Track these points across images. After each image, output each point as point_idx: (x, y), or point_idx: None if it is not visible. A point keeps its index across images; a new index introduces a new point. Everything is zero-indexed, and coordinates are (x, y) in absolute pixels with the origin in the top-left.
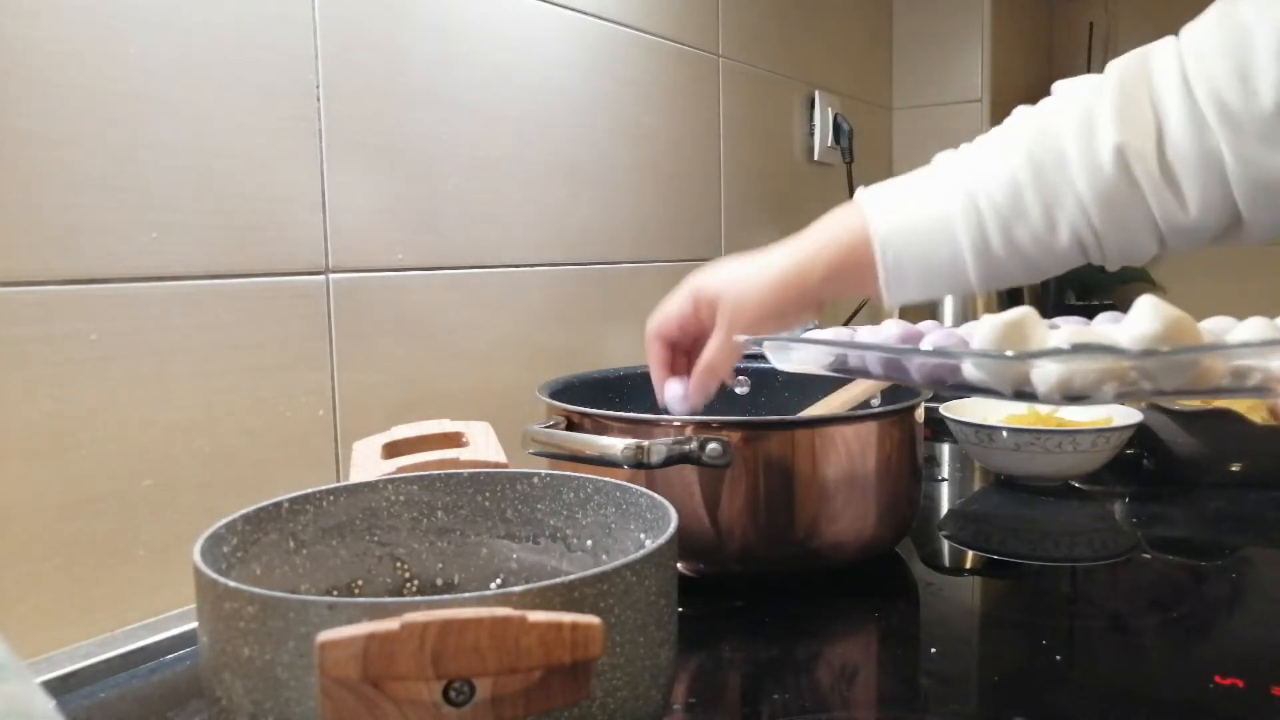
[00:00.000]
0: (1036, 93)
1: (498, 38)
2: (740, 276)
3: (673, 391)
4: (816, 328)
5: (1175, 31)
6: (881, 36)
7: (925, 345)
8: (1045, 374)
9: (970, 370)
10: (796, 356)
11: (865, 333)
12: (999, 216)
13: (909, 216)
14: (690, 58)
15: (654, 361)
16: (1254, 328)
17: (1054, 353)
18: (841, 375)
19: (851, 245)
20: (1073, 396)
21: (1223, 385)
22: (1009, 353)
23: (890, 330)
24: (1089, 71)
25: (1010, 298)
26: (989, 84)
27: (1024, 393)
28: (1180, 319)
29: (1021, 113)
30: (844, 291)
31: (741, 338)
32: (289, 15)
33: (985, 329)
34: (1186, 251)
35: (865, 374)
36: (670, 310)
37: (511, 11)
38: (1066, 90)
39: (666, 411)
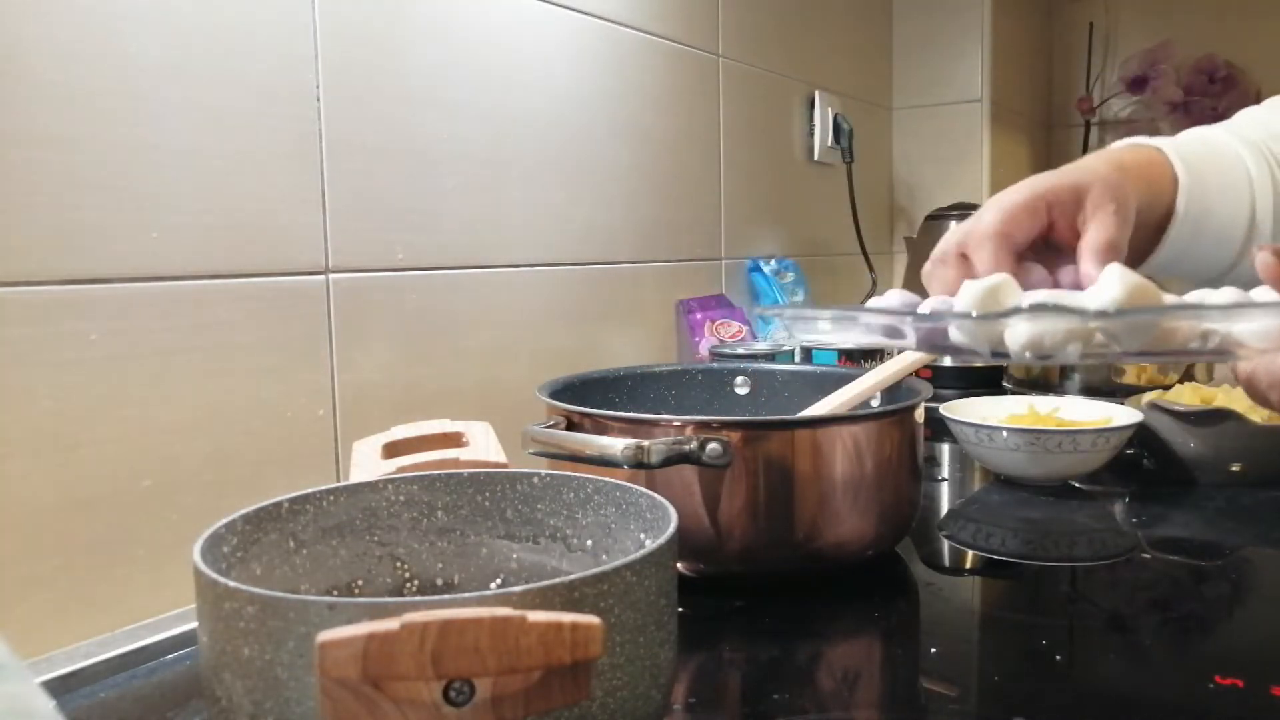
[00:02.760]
0: (1037, 93)
1: (498, 38)
2: (1086, 170)
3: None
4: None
5: (1175, 32)
6: (882, 36)
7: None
8: (1016, 334)
9: (955, 333)
10: (814, 329)
11: (871, 302)
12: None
13: (1193, 143)
14: (690, 58)
15: (989, 260)
16: (1222, 296)
17: (1014, 312)
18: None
19: (1150, 168)
20: (1042, 355)
21: (1187, 348)
22: (974, 313)
23: (891, 299)
24: (1089, 72)
25: None
26: (989, 84)
27: (999, 352)
28: (1142, 285)
29: (1266, 106)
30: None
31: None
32: (289, 16)
33: (966, 294)
34: None
35: (874, 340)
36: (1018, 208)
37: (511, 12)
38: None
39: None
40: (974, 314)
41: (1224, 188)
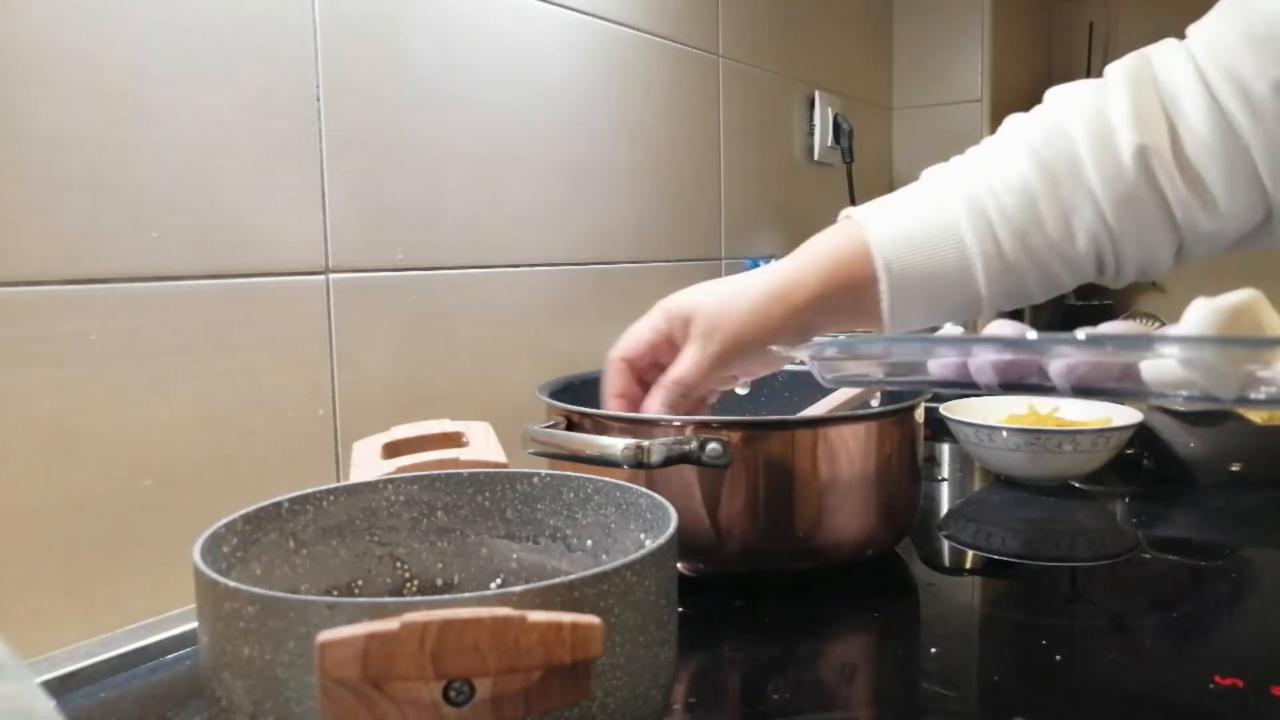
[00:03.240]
0: (1037, 93)
1: (498, 37)
2: (718, 293)
3: (617, 406)
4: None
5: (1176, 31)
6: (881, 36)
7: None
8: None
9: (1166, 370)
10: (851, 368)
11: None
12: (1010, 223)
13: (909, 225)
14: (690, 58)
15: (611, 381)
16: None
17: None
18: (909, 388)
19: (847, 258)
20: None
21: None
22: (1209, 336)
23: (1005, 329)
24: (1089, 72)
25: None
26: (989, 84)
27: (1247, 398)
28: None
29: (1016, 120)
30: (837, 317)
31: (776, 349)
32: (288, 15)
33: (1199, 315)
34: (1203, 259)
35: (966, 385)
36: (640, 330)
37: (512, 11)
38: (1066, 95)
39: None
40: (1212, 339)
41: (933, 290)
